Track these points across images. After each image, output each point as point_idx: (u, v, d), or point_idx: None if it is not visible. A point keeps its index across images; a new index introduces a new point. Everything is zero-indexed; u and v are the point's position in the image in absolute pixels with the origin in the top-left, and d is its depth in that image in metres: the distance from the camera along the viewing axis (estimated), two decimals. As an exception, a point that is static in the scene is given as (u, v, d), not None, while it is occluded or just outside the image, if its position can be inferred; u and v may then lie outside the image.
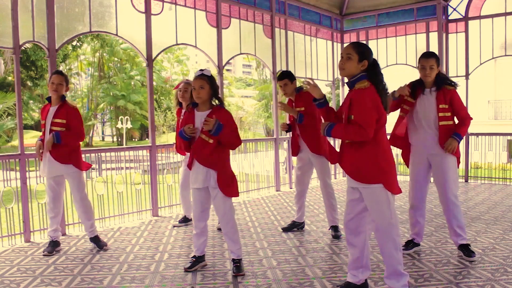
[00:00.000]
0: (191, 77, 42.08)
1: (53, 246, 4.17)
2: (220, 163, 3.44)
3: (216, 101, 3.49)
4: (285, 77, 4.58)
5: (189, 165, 3.54)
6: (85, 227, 4.32)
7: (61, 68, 25.95)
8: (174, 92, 5.24)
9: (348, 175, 2.94)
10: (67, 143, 4.07)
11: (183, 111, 4.88)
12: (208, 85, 3.40)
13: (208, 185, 3.46)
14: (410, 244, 3.93)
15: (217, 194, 3.46)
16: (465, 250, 3.73)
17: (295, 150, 4.69)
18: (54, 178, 4.16)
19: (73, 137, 4.13)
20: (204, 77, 3.41)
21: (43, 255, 4.07)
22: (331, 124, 2.92)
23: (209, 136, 3.37)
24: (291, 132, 4.76)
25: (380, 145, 2.87)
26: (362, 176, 2.86)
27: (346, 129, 2.84)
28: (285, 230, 4.80)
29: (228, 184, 3.45)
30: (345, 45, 9.14)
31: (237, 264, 3.50)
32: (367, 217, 2.98)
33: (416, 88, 3.80)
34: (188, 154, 4.49)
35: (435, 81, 3.73)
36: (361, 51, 2.87)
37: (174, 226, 5.12)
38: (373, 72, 2.88)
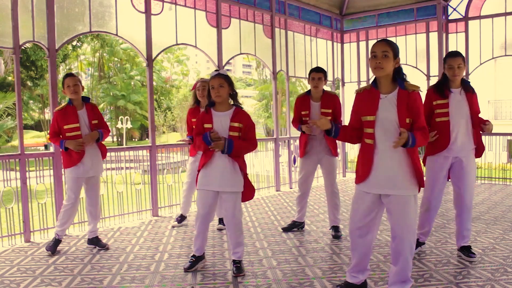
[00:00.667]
0: (191, 77, 42.12)
1: (55, 245, 4.17)
2: (245, 167, 3.50)
3: (232, 101, 3.48)
4: (322, 71, 4.55)
5: (202, 165, 3.47)
6: (91, 227, 4.32)
7: (61, 68, 25.96)
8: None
9: (395, 182, 2.73)
10: (103, 140, 4.25)
11: (201, 109, 4.86)
12: (227, 84, 3.39)
13: (226, 188, 3.43)
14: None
15: (233, 197, 3.45)
16: (466, 251, 3.73)
17: (304, 150, 4.66)
18: (85, 178, 4.19)
19: (107, 134, 4.28)
20: (222, 76, 3.40)
21: (46, 249, 4.09)
22: (411, 134, 2.64)
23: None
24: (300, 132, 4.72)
25: (416, 150, 2.80)
26: (408, 183, 2.73)
27: (424, 134, 2.70)
28: (285, 230, 4.80)
29: (249, 188, 3.53)
30: (345, 45, 9.21)
31: (238, 265, 3.50)
32: (376, 224, 2.91)
33: (442, 88, 3.68)
34: (198, 153, 4.57)
35: (461, 82, 3.68)
36: (395, 47, 2.74)
37: (173, 227, 5.12)
38: (398, 70, 2.78)
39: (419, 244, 3.93)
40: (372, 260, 3.69)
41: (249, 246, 4.24)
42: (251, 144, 3.45)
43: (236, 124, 3.40)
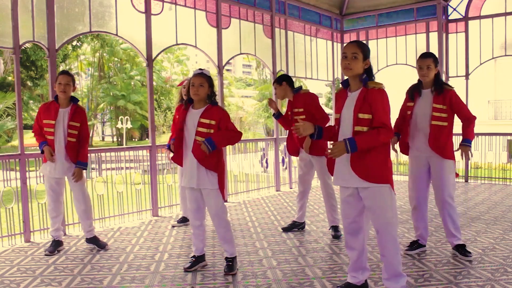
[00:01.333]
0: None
1: (55, 246, 4.17)
2: (221, 165, 3.47)
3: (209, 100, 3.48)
4: (274, 82, 4.68)
5: (176, 161, 3.55)
6: (84, 227, 4.32)
7: (61, 68, 25.96)
8: (178, 88, 5.21)
9: (357, 175, 2.79)
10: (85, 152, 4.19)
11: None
12: (207, 84, 3.43)
13: (202, 186, 3.44)
14: (415, 245, 3.92)
15: (212, 195, 3.45)
16: (461, 249, 3.74)
17: (295, 150, 4.68)
18: (56, 178, 4.17)
19: (85, 144, 4.21)
20: (204, 75, 3.44)
21: (45, 254, 4.07)
22: (350, 139, 2.70)
23: (202, 137, 3.37)
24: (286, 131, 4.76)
25: (388, 145, 2.86)
26: (372, 176, 2.77)
27: (378, 134, 2.69)
28: (285, 230, 4.80)
29: (223, 186, 3.49)
30: (345, 45, 9.20)
31: (230, 262, 3.51)
32: (364, 218, 2.95)
33: (413, 91, 3.80)
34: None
35: (434, 82, 3.71)
36: (365, 49, 2.85)
37: (173, 226, 5.12)
38: (368, 70, 2.86)
39: (419, 246, 3.93)
40: (372, 260, 3.70)
41: (249, 246, 4.24)
42: (234, 133, 3.42)
43: (205, 120, 3.39)
